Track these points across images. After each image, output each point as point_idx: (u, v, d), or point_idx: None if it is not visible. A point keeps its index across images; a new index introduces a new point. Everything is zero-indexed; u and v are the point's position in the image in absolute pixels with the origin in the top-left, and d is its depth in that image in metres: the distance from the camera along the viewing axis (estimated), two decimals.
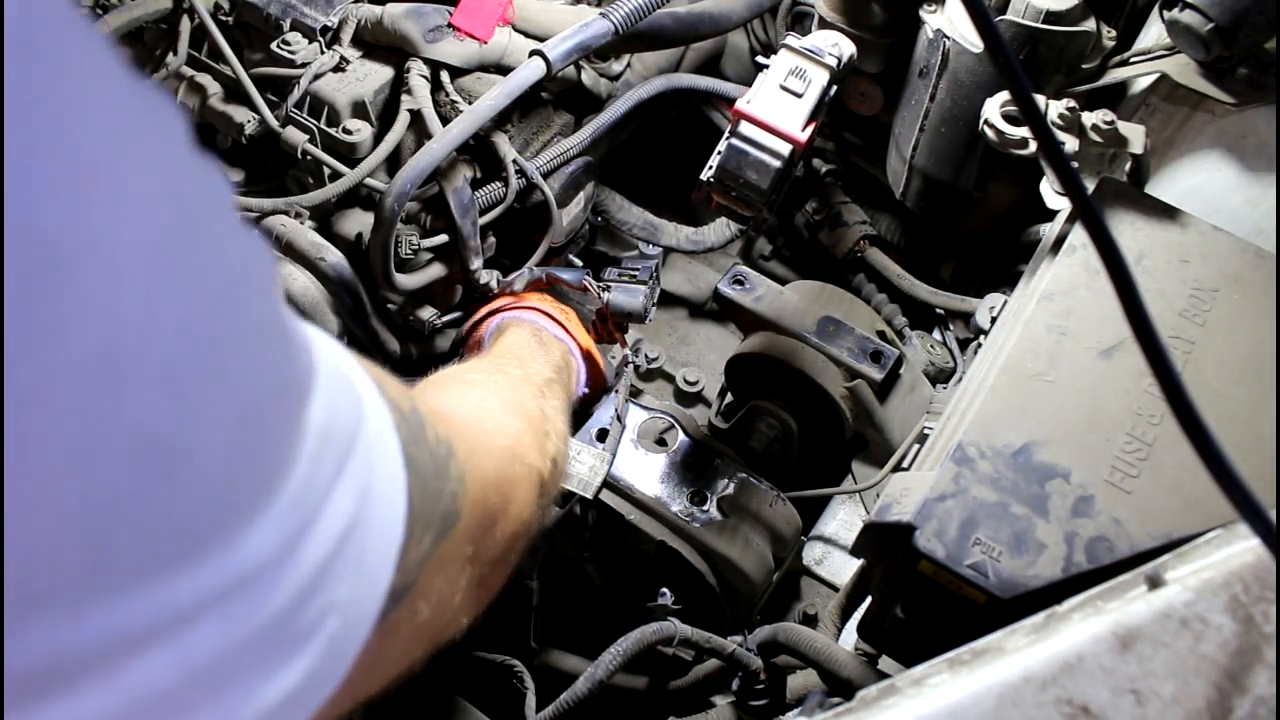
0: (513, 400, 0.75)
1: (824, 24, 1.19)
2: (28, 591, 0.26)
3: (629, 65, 1.28)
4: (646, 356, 1.31)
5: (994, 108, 0.95)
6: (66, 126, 0.25)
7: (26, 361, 0.24)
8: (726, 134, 0.91)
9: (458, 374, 0.80)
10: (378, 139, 1.11)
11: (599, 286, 1.07)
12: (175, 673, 0.30)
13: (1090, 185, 0.91)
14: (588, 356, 1.10)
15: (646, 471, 1.04)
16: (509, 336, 1.01)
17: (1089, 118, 0.93)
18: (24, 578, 0.26)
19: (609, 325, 1.07)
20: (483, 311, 1.10)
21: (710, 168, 0.92)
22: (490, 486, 0.57)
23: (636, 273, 1.09)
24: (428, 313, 1.14)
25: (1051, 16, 1.03)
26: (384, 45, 1.15)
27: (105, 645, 0.28)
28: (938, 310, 1.31)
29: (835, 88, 0.94)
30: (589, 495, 0.99)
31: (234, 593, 0.32)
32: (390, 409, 0.43)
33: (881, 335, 1.13)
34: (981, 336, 1.13)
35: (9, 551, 0.25)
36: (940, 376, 1.25)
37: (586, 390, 1.06)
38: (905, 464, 0.95)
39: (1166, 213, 0.87)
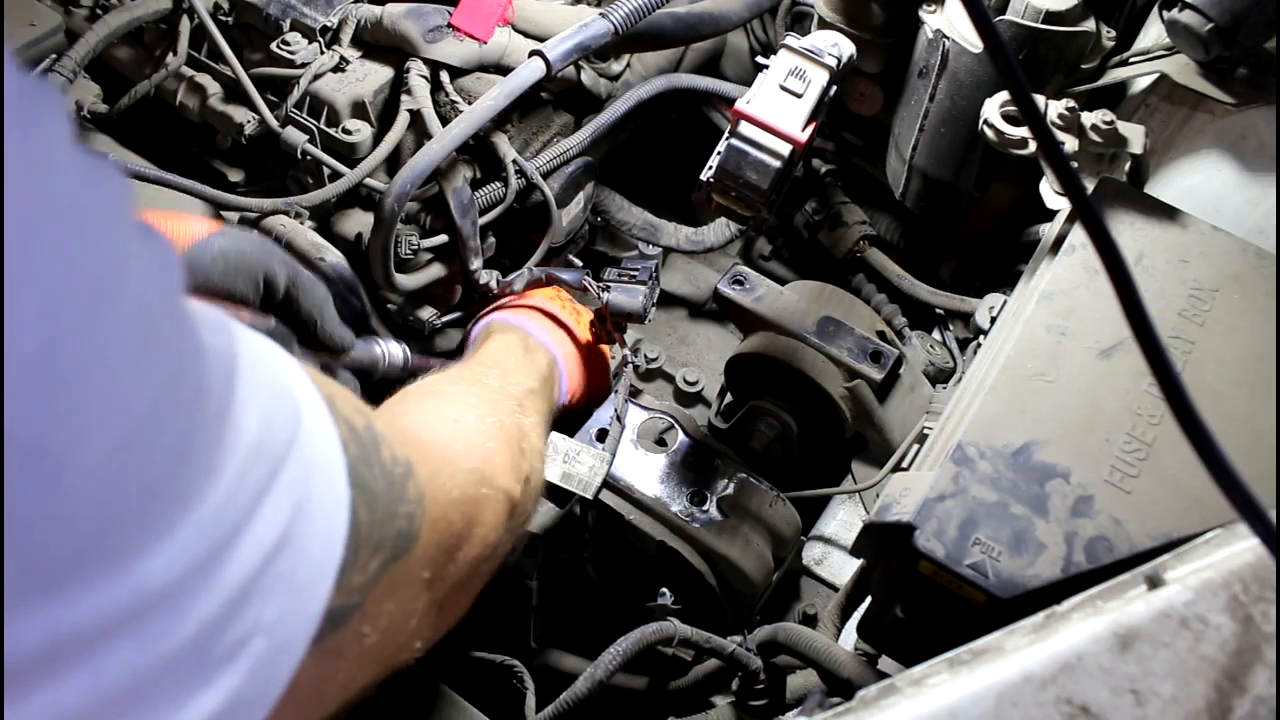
0: (489, 416, 0.74)
1: (824, 24, 1.19)
2: None
3: (629, 65, 1.28)
4: (646, 356, 1.31)
5: (994, 108, 0.95)
6: None
7: None
8: (726, 134, 0.91)
9: (434, 385, 0.79)
10: (377, 139, 1.11)
11: (598, 286, 1.07)
12: (85, 696, 0.29)
13: (1090, 185, 0.91)
14: (593, 356, 1.10)
15: (646, 471, 1.04)
16: (494, 343, 1.00)
17: (1089, 118, 0.93)
18: None
19: (608, 326, 1.07)
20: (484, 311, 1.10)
21: (710, 168, 0.92)
22: (454, 508, 0.56)
23: (636, 273, 1.09)
24: (427, 313, 1.14)
25: (1051, 16, 1.03)
26: (384, 45, 1.15)
27: (9, 664, 0.27)
28: (938, 310, 1.31)
29: (835, 88, 0.94)
30: (589, 495, 0.99)
31: (146, 611, 0.31)
32: (338, 425, 0.41)
33: (881, 335, 1.13)
34: (981, 336, 1.13)
35: None
36: (940, 376, 1.25)
37: (567, 401, 1.06)
38: (905, 464, 0.95)
39: (1166, 213, 0.87)
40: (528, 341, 1.01)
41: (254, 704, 0.36)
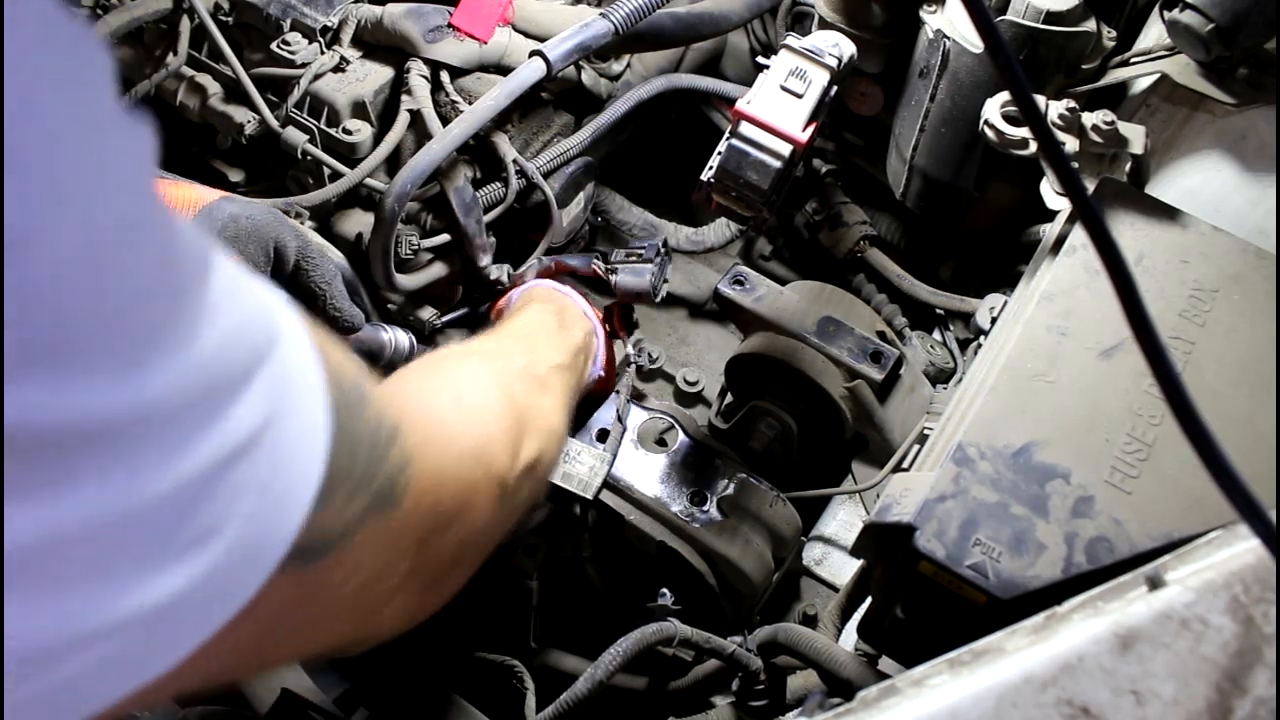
0: (498, 395, 0.72)
1: (824, 24, 1.19)
2: None
3: (629, 65, 1.28)
4: (649, 355, 1.31)
5: (994, 108, 0.95)
6: None
7: None
8: (727, 134, 0.91)
9: (449, 354, 0.77)
10: (378, 139, 1.11)
11: (606, 269, 1.06)
12: (38, 529, 0.29)
13: (1090, 185, 0.91)
14: (607, 344, 1.09)
15: (646, 472, 1.04)
16: (530, 314, 0.98)
17: (1089, 118, 0.93)
18: None
19: (615, 319, 1.07)
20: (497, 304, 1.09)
21: (710, 168, 0.92)
22: (445, 484, 0.55)
23: (643, 251, 1.09)
24: (428, 313, 1.14)
25: (1051, 17, 1.03)
26: (384, 45, 1.15)
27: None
28: (938, 310, 1.30)
29: (835, 88, 0.94)
30: (589, 496, 0.99)
31: (112, 448, 0.30)
32: (324, 368, 0.41)
33: (881, 335, 1.13)
34: (981, 337, 1.13)
35: None
36: (940, 377, 1.25)
37: (602, 374, 1.05)
38: (905, 464, 0.95)
39: (1166, 213, 0.87)
40: (564, 315, 0.99)
41: (215, 604, 0.35)
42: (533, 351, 0.87)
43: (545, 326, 0.95)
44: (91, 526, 0.30)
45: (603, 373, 1.05)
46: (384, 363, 0.94)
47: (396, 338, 0.95)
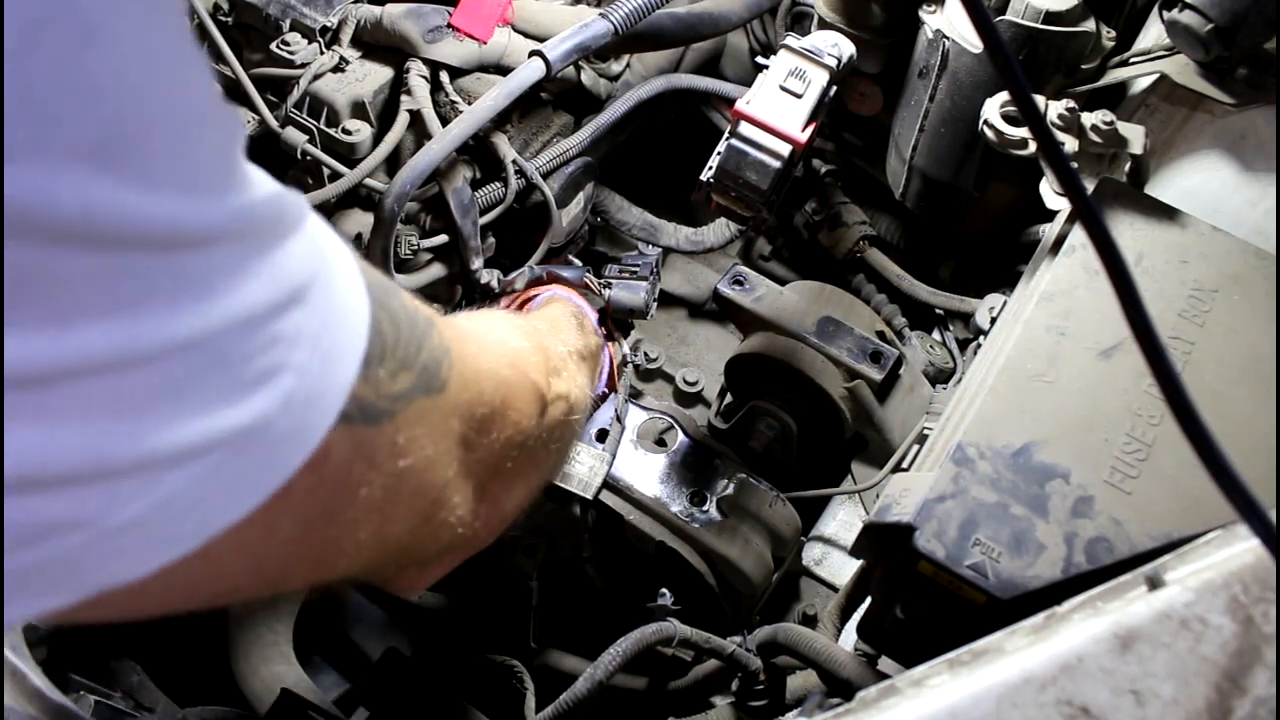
0: (529, 337, 0.74)
1: (823, 24, 1.19)
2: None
3: (628, 65, 1.28)
4: (647, 355, 1.31)
5: (993, 108, 0.95)
6: None
7: None
8: (726, 135, 0.91)
9: (472, 314, 0.80)
10: (377, 139, 1.11)
11: (599, 284, 1.06)
12: (107, 341, 0.29)
13: (1090, 185, 0.91)
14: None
15: (646, 472, 1.04)
16: (553, 307, 1.00)
17: (1088, 118, 0.93)
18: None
19: (609, 324, 1.07)
20: (523, 294, 1.09)
21: (710, 168, 0.92)
22: (484, 378, 0.57)
23: (637, 269, 1.09)
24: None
25: (1051, 17, 1.03)
26: (383, 45, 1.15)
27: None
28: (937, 310, 1.31)
29: (835, 88, 0.94)
30: (588, 496, 0.99)
31: (192, 259, 0.31)
32: (354, 257, 0.43)
33: (881, 335, 1.13)
34: (981, 337, 1.13)
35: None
36: (940, 377, 1.25)
37: (606, 390, 1.06)
38: (905, 464, 0.95)
39: (1166, 213, 0.87)
40: (584, 322, 1.00)
41: (283, 447, 0.37)
42: (557, 331, 0.90)
43: (568, 320, 0.97)
44: (163, 346, 0.31)
45: (607, 389, 1.06)
46: None
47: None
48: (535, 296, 1.06)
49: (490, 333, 0.69)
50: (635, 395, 1.12)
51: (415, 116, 1.11)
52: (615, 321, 1.17)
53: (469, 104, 1.09)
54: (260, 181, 0.36)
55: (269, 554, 0.42)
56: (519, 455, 0.63)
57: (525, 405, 0.63)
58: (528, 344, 0.71)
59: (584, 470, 1.00)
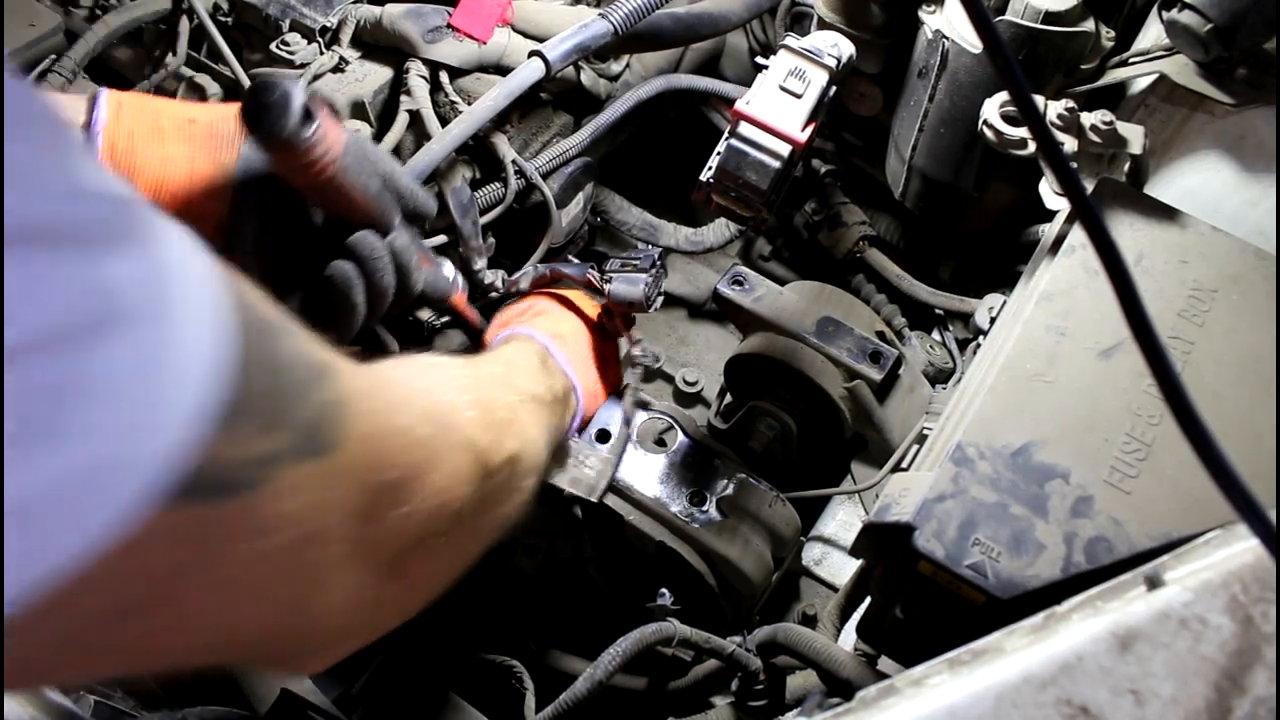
0: (469, 389, 0.66)
1: (823, 24, 1.19)
2: None
3: (628, 66, 1.28)
4: (654, 355, 1.30)
5: (993, 108, 0.95)
6: None
7: None
8: (726, 135, 0.91)
9: (415, 357, 0.71)
10: (377, 139, 1.11)
11: (601, 278, 1.06)
12: None
13: (1089, 186, 0.91)
14: (605, 352, 1.07)
15: (646, 472, 1.04)
16: (511, 347, 0.95)
17: (1088, 118, 0.93)
18: None
19: (615, 320, 1.07)
20: (502, 317, 1.08)
21: (710, 169, 0.92)
22: (393, 438, 0.50)
23: (637, 262, 1.09)
24: (426, 313, 1.14)
25: (1050, 17, 1.03)
26: (383, 46, 1.15)
27: None
28: (937, 310, 1.31)
29: (835, 88, 0.94)
30: (594, 499, 0.98)
31: None
32: (230, 290, 0.37)
33: (881, 336, 1.13)
34: (981, 337, 1.13)
35: None
36: (939, 377, 1.25)
37: (578, 434, 1.04)
38: (905, 464, 0.95)
39: (1166, 213, 0.87)
40: (547, 361, 0.94)
41: (57, 528, 0.30)
42: (511, 375, 0.83)
43: (528, 361, 0.91)
44: None
45: (578, 434, 1.02)
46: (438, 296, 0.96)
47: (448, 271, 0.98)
48: (530, 309, 1.06)
49: (413, 383, 0.60)
50: (644, 406, 1.11)
51: (415, 117, 1.11)
52: (620, 316, 1.16)
53: (469, 104, 1.09)
54: (94, 177, 0.31)
55: (64, 650, 0.35)
56: (450, 527, 0.56)
57: (455, 469, 0.56)
58: (464, 397, 0.64)
59: (590, 474, 0.99)
